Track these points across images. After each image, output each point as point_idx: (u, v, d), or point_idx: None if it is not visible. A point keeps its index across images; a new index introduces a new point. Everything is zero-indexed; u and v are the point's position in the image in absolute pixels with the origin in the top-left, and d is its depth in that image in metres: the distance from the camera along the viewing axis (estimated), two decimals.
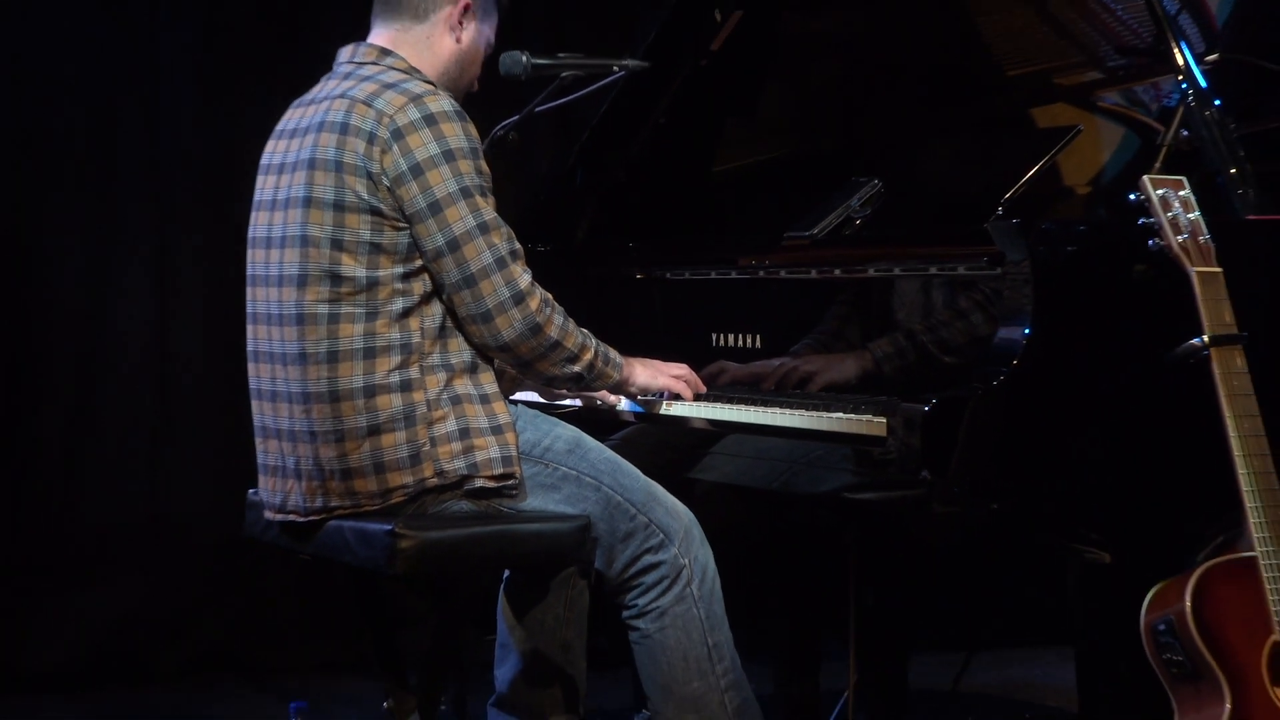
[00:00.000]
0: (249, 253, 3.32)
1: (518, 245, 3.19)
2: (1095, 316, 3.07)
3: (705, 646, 3.24)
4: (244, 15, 5.19)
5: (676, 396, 3.45)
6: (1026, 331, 2.97)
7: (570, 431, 3.29)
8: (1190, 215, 2.99)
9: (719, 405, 3.42)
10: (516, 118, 3.81)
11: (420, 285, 3.16)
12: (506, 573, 3.51)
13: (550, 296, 3.21)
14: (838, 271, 3.50)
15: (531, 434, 3.25)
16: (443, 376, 3.18)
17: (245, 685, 5.03)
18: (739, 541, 3.64)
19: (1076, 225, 3.18)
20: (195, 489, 5.15)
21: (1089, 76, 3.71)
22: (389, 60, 3.27)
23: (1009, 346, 2.99)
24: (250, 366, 3.34)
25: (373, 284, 3.14)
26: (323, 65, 3.38)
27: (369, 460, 3.15)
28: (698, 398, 3.46)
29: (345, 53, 3.33)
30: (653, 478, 3.31)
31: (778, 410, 3.29)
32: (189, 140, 5.15)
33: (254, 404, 3.34)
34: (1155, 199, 3.00)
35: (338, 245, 3.14)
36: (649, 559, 3.24)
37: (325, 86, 3.29)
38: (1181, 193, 3.01)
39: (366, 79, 3.21)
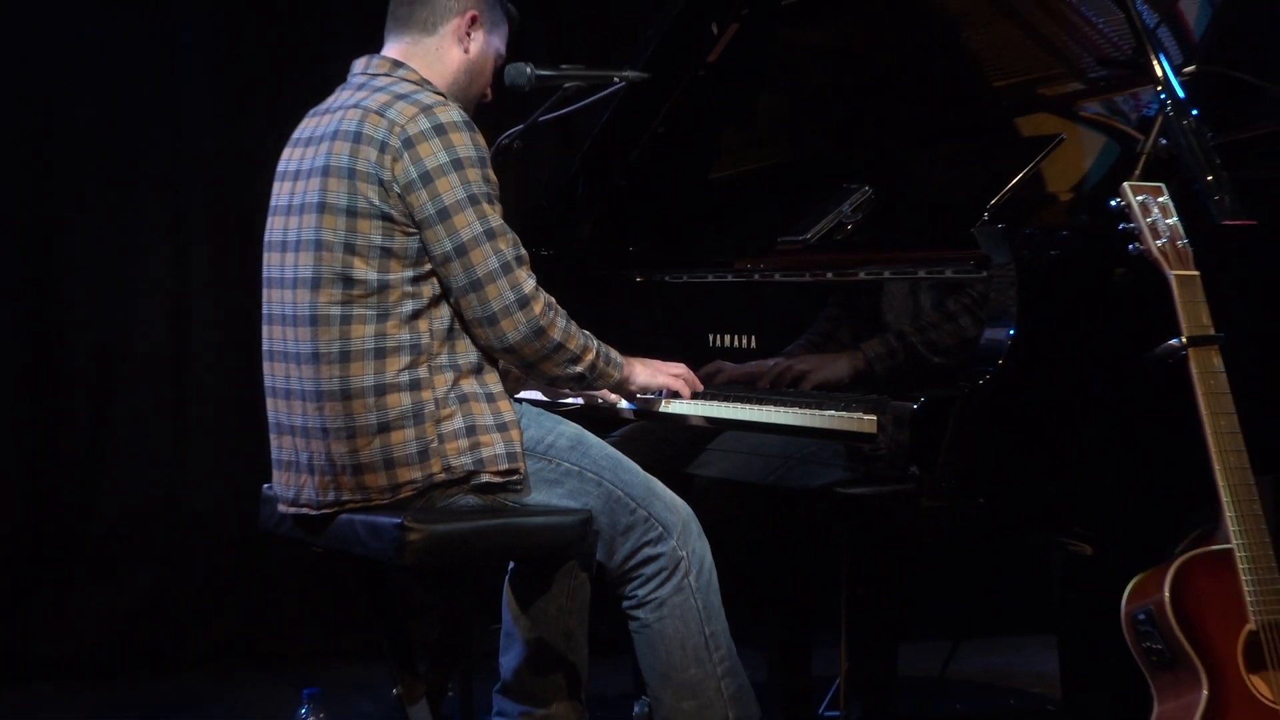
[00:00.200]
0: (265, 256, 3.33)
1: (523, 251, 3.19)
2: (1078, 318, 3.07)
3: (702, 635, 3.24)
4: (260, 25, 5.18)
5: (675, 394, 3.46)
6: (1011, 332, 2.97)
7: (572, 429, 3.30)
8: (1169, 221, 2.99)
9: (716, 403, 3.43)
10: (521, 127, 3.82)
11: (429, 288, 3.17)
12: (511, 564, 3.51)
13: (554, 300, 3.22)
14: (830, 275, 3.50)
15: (535, 431, 3.26)
16: (450, 376, 3.18)
17: (260, 672, 5.03)
18: (735, 534, 3.64)
19: (1060, 230, 3.18)
20: (211, 484, 5.15)
21: (1071, 87, 3.71)
22: (401, 72, 3.27)
23: (995, 347, 2.99)
24: (265, 365, 3.34)
25: (383, 287, 3.14)
26: (336, 75, 3.38)
27: (379, 456, 3.16)
28: (695, 396, 3.47)
29: (359, 64, 3.34)
30: (652, 473, 3.31)
31: (772, 408, 3.29)
32: (206, 146, 5.15)
33: (268, 401, 3.35)
34: (1135, 205, 3.00)
35: (350, 249, 3.15)
36: (648, 551, 3.24)
37: (340, 96, 3.29)
38: (1160, 199, 3.01)
39: (379, 90, 3.22)
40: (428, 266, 3.16)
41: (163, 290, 5.14)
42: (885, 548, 3.61)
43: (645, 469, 3.31)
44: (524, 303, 3.15)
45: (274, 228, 3.32)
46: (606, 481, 3.24)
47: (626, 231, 4.15)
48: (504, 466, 3.17)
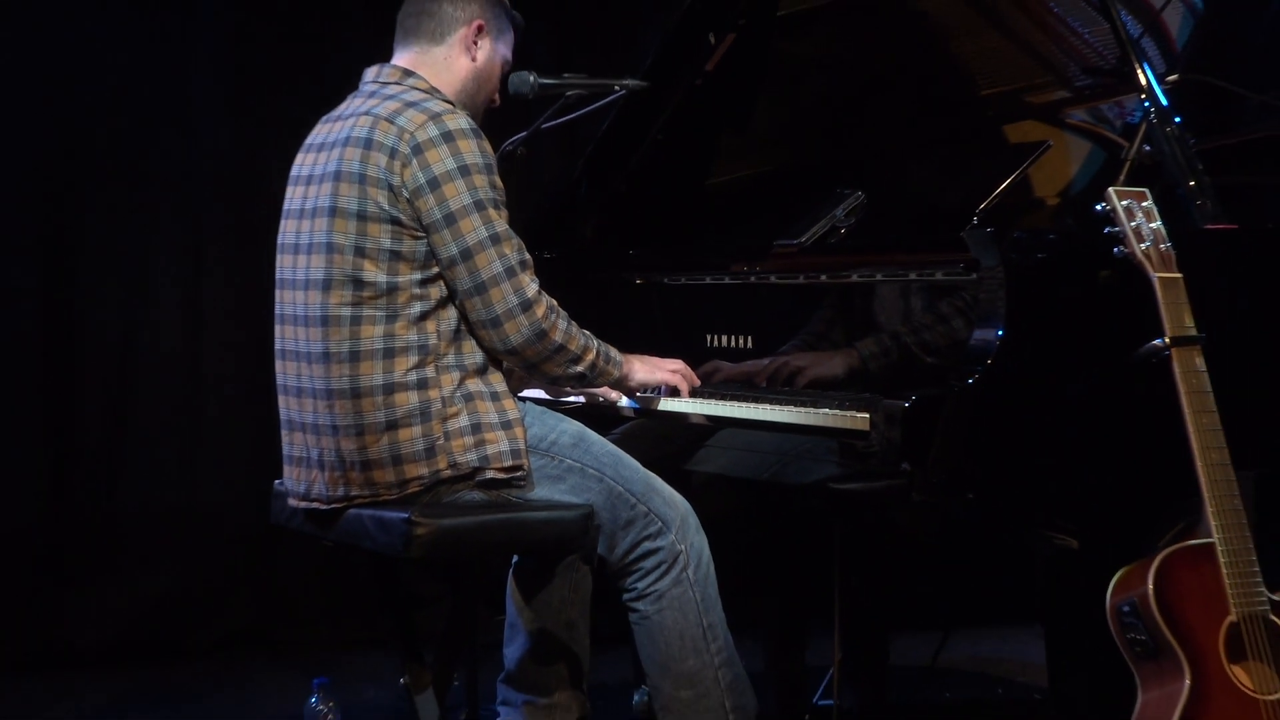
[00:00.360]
0: (278, 258, 3.32)
1: (527, 256, 3.19)
2: (1064, 319, 3.07)
3: (700, 627, 3.24)
4: (272, 36, 5.18)
5: (674, 392, 3.45)
6: (1000, 333, 2.97)
7: (574, 426, 3.29)
8: (1152, 225, 2.99)
9: (713, 401, 3.42)
10: (525, 134, 3.82)
11: (437, 290, 3.16)
12: (515, 558, 3.51)
13: (555, 303, 3.21)
14: (824, 277, 3.50)
15: (538, 429, 3.25)
16: (456, 375, 3.18)
17: (272, 661, 5.03)
18: (732, 529, 3.64)
19: (1047, 234, 3.18)
20: (225, 480, 5.15)
21: (1058, 95, 3.70)
22: (411, 80, 3.27)
23: (984, 347, 2.98)
24: (278, 364, 3.34)
25: (392, 289, 3.14)
26: (345, 83, 3.38)
27: (387, 453, 3.15)
28: (693, 394, 3.46)
29: (370, 73, 3.34)
30: (651, 470, 3.31)
31: (768, 406, 3.29)
32: (219, 152, 5.15)
33: (280, 399, 3.34)
34: (1120, 209, 2.99)
35: (360, 252, 3.14)
36: (648, 545, 3.24)
37: (351, 104, 3.29)
38: (1144, 204, 3.01)
39: (390, 98, 3.22)
40: (435, 269, 3.16)
41: (177, 292, 5.14)
42: (877, 541, 3.61)
43: (645, 465, 3.31)
44: (527, 306, 3.15)
45: (286, 230, 3.32)
46: (607, 478, 3.24)
47: (627, 235, 4.15)
48: (508, 463, 3.17)
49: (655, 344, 3.56)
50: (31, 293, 4.99)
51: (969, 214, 3.25)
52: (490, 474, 3.17)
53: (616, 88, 3.77)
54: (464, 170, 3.14)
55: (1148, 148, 3.28)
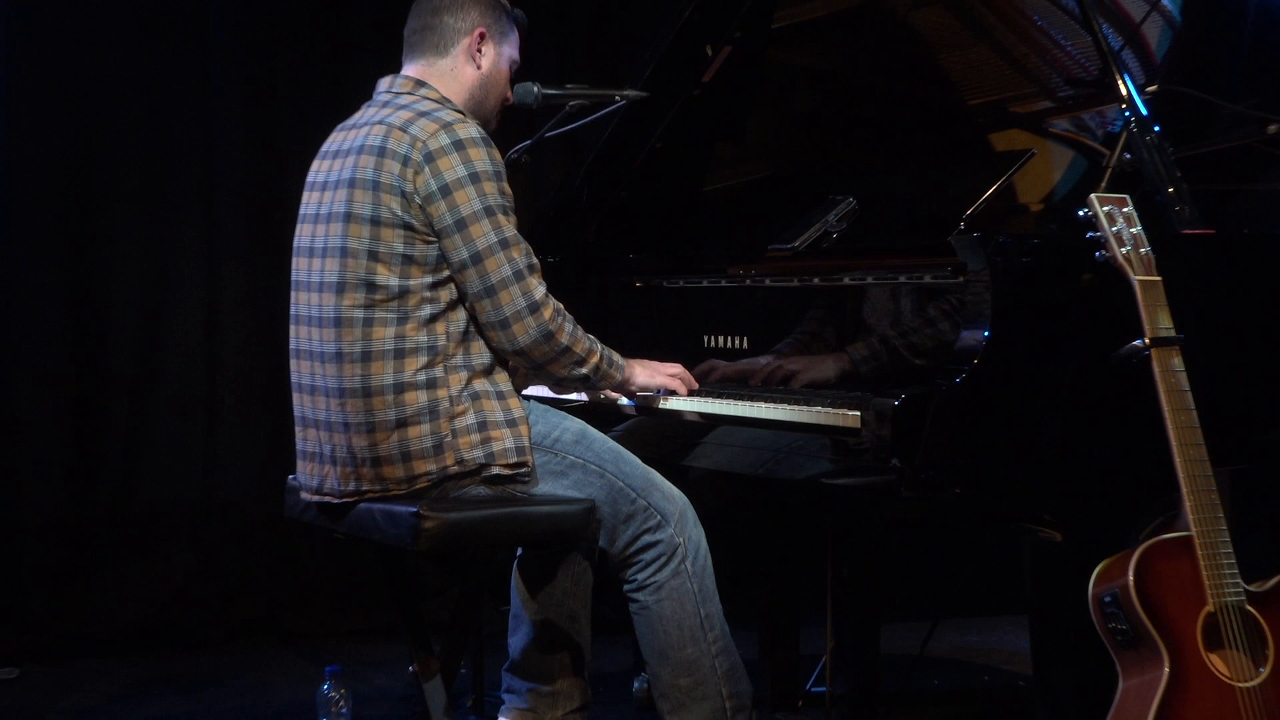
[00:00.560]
0: (294, 260, 3.32)
1: (535, 260, 3.19)
2: (1048, 320, 3.06)
3: (698, 617, 3.23)
4: (286, 48, 5.18)
5: (672, 392, 3.45)
6: (986, 334, 2.96)
7: (577, 424, 3.29)
8: (1133, 229, 2.99)
9: (710, 400, 3.42)
10: (528, 142, 3.82)
11: (447, 293, 3.16)
12: (520, 551, 3.50)
13: (562, 306, 3.21)
14: (817, 280, 3.49)
15: (542, 426, 3.25)
16: (464, 375, 3.18)
17: (285, 650, 5.03)
18: (728, 522, 3.64)
19: (1031, 238, 3.16)
20: (241, 474, 5.15)
21: (1041, 105, 3.70)
22: (423, 91, 3.27)
23: (970, 347, 2.98)
24: (292, 362, 3.33)
25: (404, 292, 3.14)
26: (355, 92, 3.38)
27: (397, 449, 3.15)
28: (691, 393, 3.46)
29: (384, 83, 3.33)
30: (651, 465, 3.31)
31: (763, 404, 3.28)
32: (236, 159, 5.14)
33: (294, 396, 3.34)
34: (1101, 215, 2.99)
35: (374, 256, 3.14)
36: (648, 538, 3.23)
37: (366, 113, 3.29)
38: (1125, 209, 3.01)
39: (403, 107, 3.21)
40: (446, 273, 3.16)
41: (196, 293, 5.13)
42: (868, 534, 3.60)
43: (645, 461, 3.30)
44: (534, 308, 3.15)
45: (302, 234, 3.31)
46: (609, 473, 3.23)
47: (627, 239, 4.14)
48: (513, 460, 3.17)
49: (654, 344, 3.55)
50: (57, 294, 4.99)
51: (956, 219, 3.25)
52: (496, 470, 3.16)
53: (617, 98, 3.77)
54: (474, 178, 3.13)
55: (1128, 155, 3.28)
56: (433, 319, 3.15)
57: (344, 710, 3.73)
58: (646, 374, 3.41)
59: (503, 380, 3.23)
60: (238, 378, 5.16)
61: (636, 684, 4.13)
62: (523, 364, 3.23)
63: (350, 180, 3.19)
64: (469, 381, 3.18)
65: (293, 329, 3.33)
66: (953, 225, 3.21)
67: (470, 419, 3.16)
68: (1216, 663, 2.87)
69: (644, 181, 4.15)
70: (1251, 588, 2.92)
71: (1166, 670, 2.83)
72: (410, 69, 3.34)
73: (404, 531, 3.10)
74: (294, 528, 3.66)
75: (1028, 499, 3.15)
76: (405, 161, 3.13)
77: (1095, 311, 3.07)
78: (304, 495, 3.37)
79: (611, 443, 3.30)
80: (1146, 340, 2.93)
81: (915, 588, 4.50)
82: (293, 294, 3.33)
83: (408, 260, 3.14)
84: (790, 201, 3.74)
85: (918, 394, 2.93)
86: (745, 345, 3.61)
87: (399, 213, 3.13)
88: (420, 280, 3.14)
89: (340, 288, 3.17)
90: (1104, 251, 2.98)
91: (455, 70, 3.32)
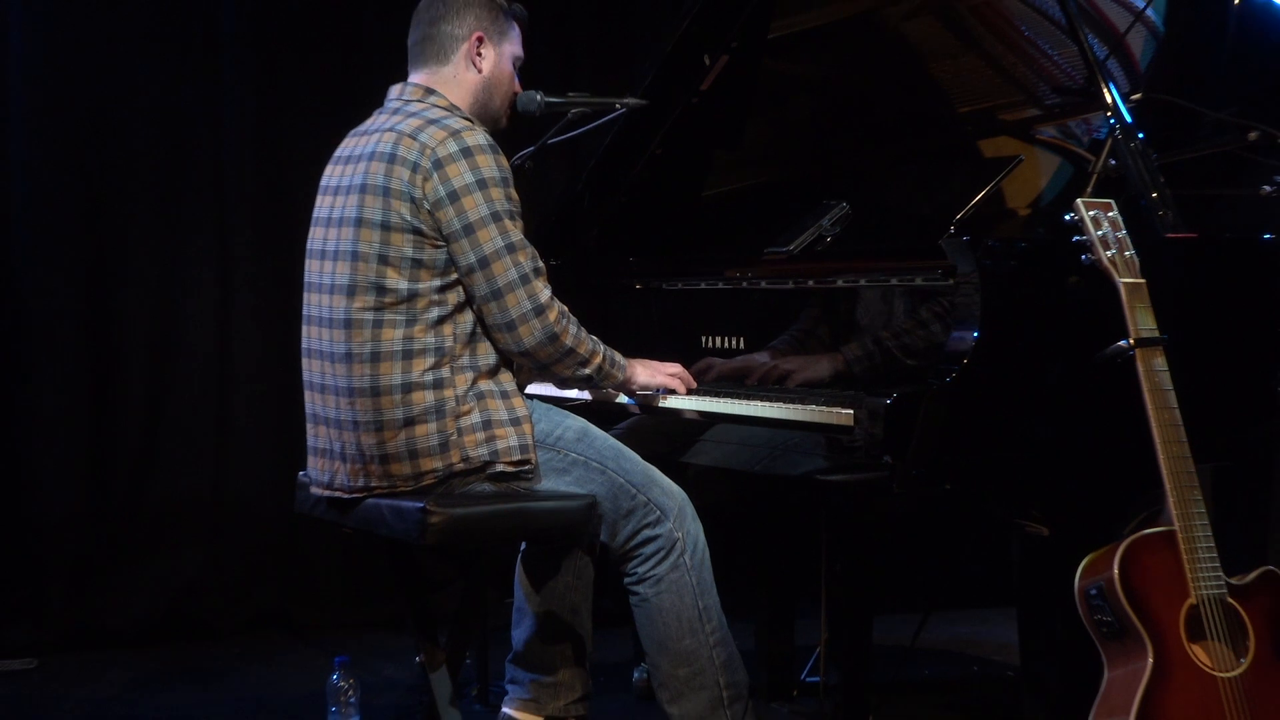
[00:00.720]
0: (307, 262, 3.32)
1: (541, 264, 3.19)
2: (1036, 321, 3.07)
3: (696, 609, 3.23)
4: (296, 58, 5.17)
5: (672, 391, 3.45)
6: (975, 335, 2.96)
7: (578, 422, 3.29)
8: (1118, 233, 2.99)
9: (709, 399, 3.42)
10: (532, 149, 3.82)
11: (454, 296, 3.16)
12: (523, 545, 3.50)
13: (566, 309, 3.21)
14: (811, 282, 3.49)
15: (545, 425, 3.25)
16: (470, 376, 3.18)
17: (296, 641, 5.03)
18: (726, 517, 3.63)
19: (1019, 242, 3.17)
20: (253, 471, 5.15)
21: (1029, 113, 3.70)
22: (432, 99, 3.26)
23: (960, 347, 2.98)
24: (304, 361, 3.33)
25: (413, 295, 3.14)
26: (363, 100, 3.38)
27: (404, 447, 3.15)
28: (690, 392, 3.45)
29: (395, 90, 3.33)
30: (651, 462, 3.31)
31: (760, 403, 3.28)
32: (247, 166, 5.14)
33: (306, 394, 3.34)
34: (1087, 219, 2.99)
35: (384, 260, 3.14)
36: (647, 533, 3.23)
37: (377, 120, 3.28)
38: (1110, 214, 3.01)
39: (412, 115, 3.21)
40: (454, 276, 3.15)
41: (209, 296, 5.13)
42: (861, 529, 3.59)
43: (645, 458, 3.30)
44: (540, 311, 3.15)
45: (314, 237, 3.31)
46: (609, 470, 3.23)
47: (627, 243, 4.14)
48: (517, 457, 3.17)
49: (653, 345, 3.55)
50: (75, 298, 4.99)
51: (946, 223, 3.24)
52: (500, 467, 3.16)
53: (617, 106, 3.77)
54: (482, 184, 3.13)
55: (1113, 162, 3.28)
56: (440, 321, 3.15)
57: (353, 699, 3.73)
58: (647, 373, 3.41)
59: (507, 380, 3.23)
60: (249, 378, 5.16)
61: (636, 674, 4.13)
62: (529, 364, 3.24)
63: (362, 186, 3.19)
64: (474, 382, 3.18)
65: (304, 329, 3.33)
66: (943, 229, 3.21)
67: (475, 418, 3.16)
68: (1199, 653, 2.87)
69: (644, 187, 4.14)
70: (1232, 581, 2.92)
71: (1150, 661, 2.83)
72: (416, 77, 3.34)
73: (411, 526, 3.10)
74: (304, 523, 3.66)
75: (1016, 495, 3.15)
76: (415, 168, 3.13)
77: (1081, 313, 3.07)
78: (314, 490, 3.36)
79: (612, 440, 3.30)
80: (1131, 341, 2.94)
81: (907, 581, 4.50)
82: (305, 295, 3.32)
83: (417, 264, 3.14)
84: (785, 206, 3.74)
85: (909, 393, 2.93)
86: (742, 345, 3.61)
87: (408, 218, 3.13)
88: (429, 284, 3.14)
89: (351, 290, 3.17)
90: (1090, 255, 2.98)
91: (458, 76, 3.32)
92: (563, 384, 3.39)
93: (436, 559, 4.51)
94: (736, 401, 3.34)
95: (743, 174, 4.18)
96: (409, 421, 3.14)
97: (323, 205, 3.31)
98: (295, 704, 4.31)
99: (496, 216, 3.13)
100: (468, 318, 3.18)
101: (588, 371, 3.25)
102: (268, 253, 5.12)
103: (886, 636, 4.16)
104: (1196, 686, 2.85)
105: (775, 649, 3.98)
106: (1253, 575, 2.96)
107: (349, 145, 3.32)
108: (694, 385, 3.48)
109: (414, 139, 3.15)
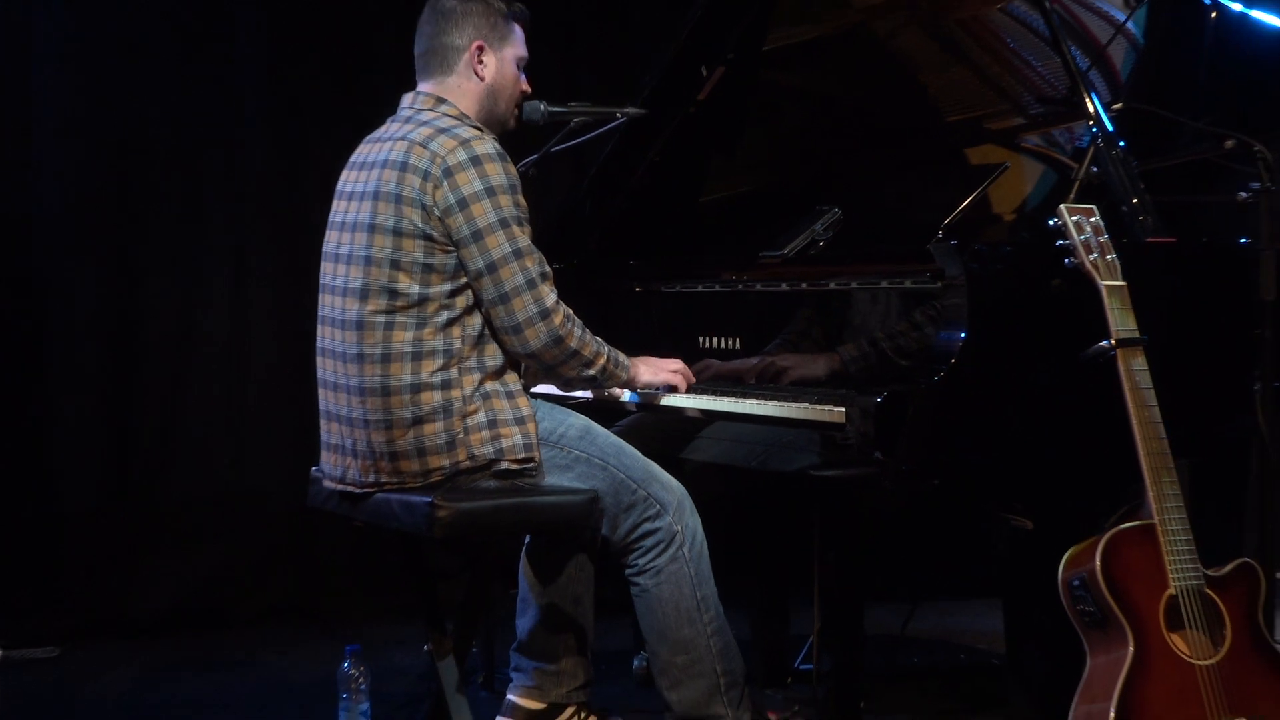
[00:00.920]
0: (323, 264, 3.32)
1: (547, 269, 3.18)
2: (1021, 322, 3.07)
3: (694, 599, 3.23)
4: (310, 66, 5.17)
5: (673, 389, 3.44)
6: (962, 335, 2.96)
7: (581, 420, 3.29)
8: (1100, 238, 2.99)
9: (707, 397, 3.42)
10: (535, 156, 3.82)
11: (463, 300, 3.16)
12: (528, 538, 3.50)
13: (571, 312, 3.21)
14: (804, 285, 3.49)
15: (549, 423, 3.25)
16: (477, 377, 3.17)
17: (309, 630, 5.02)
18: (723, 511, 3.63)
19: (1004, 246, 3.17)
20: (268, 466, 5.14)
21: (1014, 122, 3.70)
22: (443, 108, 3.26)
23: (948, 348, 2.98)
24: (318, 360, 3.33)
25: (423, 299, 3.14)
26: (372, 107, 3.37)
27: (413, 445, 3.15)
28: (689, 391, 3.45)
29: (407, 99, 3.32)
30: (651, 458, 3.30)
31: (756, 401, 3.28)
32: (262, 170, 5.14)
33: (320, 391, 3.34)
34: (1070, 224, 2.99)
35: (395, 265, 3.14)
36: (647, 526, 3.23)
37: (390, 128, 3.28)
38: (1092, 219, 3.01)
39: (424, 124, 3.21)
40: (463, 280, 3.15)
41: (226, 295, 5.13)
42: (853, 522, 3.59)
43: (645, 454, 3.30)
44: (545, 314, 3.15)
45: (330, 241, 3.31)
46: (611, 466, 3.23)
47: (627, 247, 4.14)
48: (521, 455, 3.16)
49: (652, 345, 3.55)
50: (97, 296, 4.99)
51: (935, 228, 3.25)
52: (505, 465, 3.16)
53: (618, 115, 3.77)
54: (490, 191, 3.13)
55: (1095, 169, 3.28)
56: (449, 324, 3.15)
57: (363, 686, 3.73)
58: (650, 372, 3.40)
59: (512, 380, 3.23)
60: (264, 376, 5.16)
61: (636, 662, 4.13)
62: (535, 366, 3.24)
63: (375, 193, 3.18)
64: (481, 382, 3.18)
65: (319, 329, 3.33)
66: (931, 234, 3.21)
67: (481, 417, 3.16)
68: (1177, 642, 2.87)
69: (643, 193, 4.14)
70: (1210, 572, 2.92)
71: (1131, 649, 2.84)
72: (425, 86, 3.33)
73: (420, 520, 3.10)
74: (317, 516, 3.66)
75: (1001, 490, 3.15)
76: (425, 176, 3.13)
77: (1065, 314, 3.07)
78: (327, 484, 3.36)
79: (613, 437, 3.30)
80: (1112, 341, 2.94)
81: (897, 572, 4.50)
82: (320, 296, 3.32)
83: (428, 269, 3.14)
84: (780, 212, 3.74)
85: (899, 392, 2.93)
86: (737, 346, 3.61)
87: (419, 224, 3.13)
88: (439, 288, 3.14)
89: (364, 294, 3.17)
90: (1073, 258, 2.98)
91: (462, 86, 3.31)
92: (568, 385, 3.38)
93: (444, 551, 4.51)
94: (733, 400, 3.34)
95: (738, 180, 4.18)
96: (418, 420, 3.14)
97: (338, 210, 3.31)
98: (308, 691, 4.30)
99: (504, 223, 3.13)
100: (476, 320, 3.18)
101: (592, 372, 3.25)
102: (283, 254, 5.11)
103: (877, 626, 4.17)
104: (1175, 674, 2.85)
105: (770, 637, 3.98)
106: (1229, 567, 2.96)
107: (363, 152, 3.31)
108: (694, 381, 3.47)
109: (425, 147, 3.15)
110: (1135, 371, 2.93)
